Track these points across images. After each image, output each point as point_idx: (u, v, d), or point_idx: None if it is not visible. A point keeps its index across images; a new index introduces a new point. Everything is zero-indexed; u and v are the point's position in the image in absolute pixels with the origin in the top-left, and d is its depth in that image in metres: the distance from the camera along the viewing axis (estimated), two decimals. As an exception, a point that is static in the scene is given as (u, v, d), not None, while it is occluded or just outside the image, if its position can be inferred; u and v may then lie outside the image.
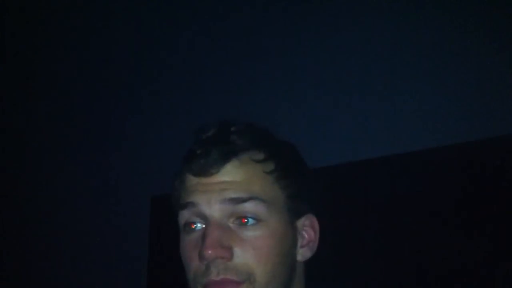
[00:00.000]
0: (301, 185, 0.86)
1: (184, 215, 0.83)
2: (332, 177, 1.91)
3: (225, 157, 0.81)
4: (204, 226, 0.81)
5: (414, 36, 1.95)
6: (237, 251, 0.79)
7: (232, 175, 0.81)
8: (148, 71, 2.52)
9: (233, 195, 0.80)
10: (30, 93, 2.80)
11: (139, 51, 2.55)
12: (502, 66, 1.79)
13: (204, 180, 0.82)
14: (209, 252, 0.77)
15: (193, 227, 0.82)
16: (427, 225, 1.76)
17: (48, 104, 2.74)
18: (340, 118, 2.03)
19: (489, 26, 1.83)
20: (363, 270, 1.81)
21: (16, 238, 2.64)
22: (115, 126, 2.55)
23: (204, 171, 0.81)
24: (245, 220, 0.80)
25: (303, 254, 0.86)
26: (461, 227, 1.71)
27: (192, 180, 0.83)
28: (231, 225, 0.80)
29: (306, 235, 0.86)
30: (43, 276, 2.53)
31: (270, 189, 0.82)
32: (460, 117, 1.82)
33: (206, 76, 2.36)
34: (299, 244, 0.85)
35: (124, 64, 2.58)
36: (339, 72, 2.07)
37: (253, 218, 0.80)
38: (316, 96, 2.10)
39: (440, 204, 1.76)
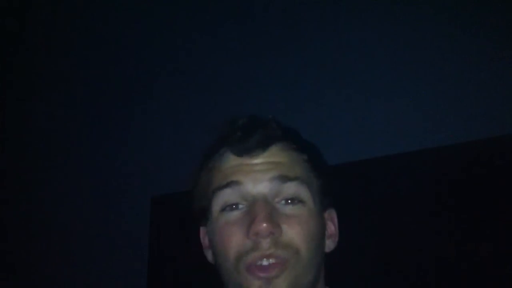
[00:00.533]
0: (327, 179, 0.89)
1: (225, 195, 0.82)
2: (332, 177, 1.91)
3: (271, 140, 0.84)
4: (247, 206, 0.81)
5: (415, 36, 1.95)
6: (285, 227, 0.79)
7: (277, 157, 0.83)
8: (149, 72, 2.52)
9: (281, 172, 0.82)
10: (31, 93, 2.80)
11: (140, 52, 2.55)
12: (502, 66, 1.79)
13: (248, 160, 0.83)
14: (264, 225, 0.77)
15: (235, 207, 0.82)
16: (427, 225, 1.76)
17: (48, 104, 2.74)
18: (340, 118, 2.03)
19: (489, 26, 1.83)
20: (364, 270, 1.81)
21: (16, 238, 2.64)
22: (115, 126, 2.55)
23: (249, 151, 0.83)
24: (290, 200, 0.81)
25: (328, 245, 0.89)
26: (461, 227, 1.71)
27: (234, 160, 0.84)
28: (276, 205, 0.81)
29: (328, 229, 0.89)
30: (43, 276, 2.53)
31: (310, 175, 0.85)
32: (460, 117, 1.82)
33: (206, 77, 2.37)
34: (326, 234, 0.88)
35: (124, 65, 2.58)
36: (339, 72, 2.07)
37: (297, 198, 0.82)
38: (316, 96, 2.10)
39: (440, 204, 1.76)
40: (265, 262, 0.77)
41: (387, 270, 1.79)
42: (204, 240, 0.90)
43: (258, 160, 0.82)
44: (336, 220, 0.92)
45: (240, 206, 0.81)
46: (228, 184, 0.82)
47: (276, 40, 2.23)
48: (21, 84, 2.83)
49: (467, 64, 1.85)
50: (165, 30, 2.50)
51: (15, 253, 2.63)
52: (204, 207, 0.86)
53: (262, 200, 0.80)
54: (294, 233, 0.79)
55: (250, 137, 0.83)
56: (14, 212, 2.69)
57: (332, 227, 0.90)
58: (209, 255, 0.89)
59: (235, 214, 0.81)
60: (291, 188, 0.82)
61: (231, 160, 0.84)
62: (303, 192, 0.82)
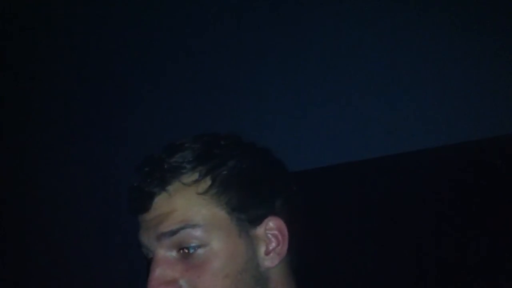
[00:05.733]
0: (252, 191, 0.83)
1: (143, 252, 0.84)
2: (332, 177, 1.91)
3: (155, 190, 0.81)
4: None
5: (414, 36, 1.95)
6: (183, 283, 0.78)
7: (164, 207, 0.80)
8: (149, 72, 2.52)
9: (165, 229, 0.79)
10: (31, 93, 2.80)
11: (141, 52, 2.55)
12: (502, 66, 1.79)
13: (144, 216, 0.82)
14: None
15: None
16: (427, 225, 1.76)
17: (48, 104, 2.74)
18: (340, 118, 2.03)
19: (489, 26, 1.83)
20: (364, 270, 1.81)
21: (16, 238, 2.64)
22: (116, 126, 2.55)
23: (140, 209, 0.82)
24: (187, 250, 0.79)
25: (272, 260, 0.83)
26: (461, 227, 1.71)
27: (138, 218, 0.84)
28: (176, 256, 0.79)
29: (273, 239, 0.83)
30: (43, 276, 2.53)
31: (206, 210, 0.80)
32: (460, 117, 1.82)
33: (206, 77, 2.37)
34: (262, 251, 0.82)
35: (125, 65, 2.58)
36: (339, 72, 2.07)
37: (194, 245, 0.78)
38: (316, 96, 2.10)
39: (440, 204, 1.76)
40: None
41: (386, 270, 1.79)
42: None
43: (150, 215, 0.81)
44: (282, 226, 0.84)
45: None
46: (139, 244, 0.84)
47: (276, 39, 2.23)
48: (21, 84, 2.83)
49: (467, 64, 1.85)
50: (165, 32, 2.50)
51: (15, 253, 2.63)
52: None
53: (157, 259, 0.80)
54: (195, 285, 0.78)
55: (139, 193, 0.81)
56: (14, 212, 2.69)
57: (278, 236, 0.83)
58: None
59: None
60: (182, 239, 0.78)
61: (138, 217, 0.84)
62: (197, 237, 0.78)
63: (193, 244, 0.78)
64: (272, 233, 0.83)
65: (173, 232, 0.79)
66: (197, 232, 0.79)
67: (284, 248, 0.84)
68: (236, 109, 2.23)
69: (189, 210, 0.80)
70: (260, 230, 0.83)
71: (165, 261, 0.79)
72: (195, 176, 0.81)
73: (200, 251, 0.78)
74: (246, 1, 2.31)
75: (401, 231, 1.79)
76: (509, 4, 1.80)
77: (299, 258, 0.86)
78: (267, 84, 2.22)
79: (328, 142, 2.02)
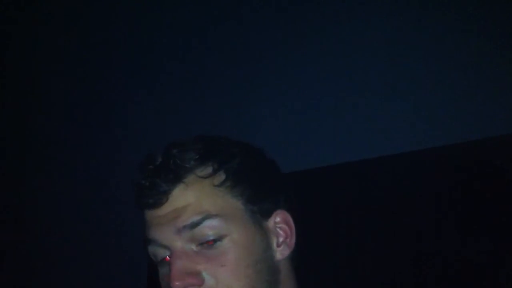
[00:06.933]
0: (261, 185, 0.84)
1: (150, 251, 0.83)
2: (332, 177, 1.91)
3: (170, 184, 0.80)
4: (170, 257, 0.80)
5: (414, 35, 1.95)
6: (206, 274, 0.78)
7: (181, 199, 0.80)
8: (148, 72, 2.53)
9: (185, 222, 0.79)
10: (31, 93, 2.80)
11: (141, 52, 2.55)
12: (502, 66, 1.79)
13: (157, 212, 0.81)
14: (176, 283, 0.76)
15: (165, 260, 0.81)
16: (427, 225, 1.76)
17: (48, 104, 2.74)
18: (341, 118, 2.04)
19: (489, 26, 1.83)
20: (363, 269, 1.81)
21: (16, 238, 2.64)
22: (116, 126, 2.55)
23: (154, 203, 0.81)
24: (207, 242, 0.79)
25: (282, 252, 0.84)
26: (461, 227, 1.71)
27: (148, 214, 0.83)
28: (196, 249, 0.79)
29: (281, 232, 0.85)
30: (43, 276, 2.53)
31: (223, 201, 0.81)
32: (460, 117, 1.82)
33: (206, 77, 2.37)
34: (274, 243, 0.84)
35: (125, 65, 2.58)
36: (339, 72, 2.07)
37: (215, 237, 0.79)
38: (316, 96, 2.11)
39: (440, 204, 1.76)
40: None
41: (386, 270, 1.79)
42: None
43: (165, 210, 0.80)
44: (289, 219, 0.86)
45: (167, 257, 0.81)
46: (148, 242, 0.83)
47: (276, 39, 2.23)
48: (21, 84, 2.83)
49: (467, 64, 1.85)
50: (167, 31, 2.50)
51: (15, 253, 2.63)
52: None
53: (176, 252, 0.79)
54: (219, 275, 0.77)
55: (152, 187, 0.80)
56: (14, 212, 2.69)
57: (286, 229, 0.85)
58: None
59: (164, 269, 0.81)
60: (203, 231, 0.78)
61: (147, 214, 0.83)
62: (218, 227, 0.79)
63: (213, 236, 0.78)
64: (280, 226, 0.85)
65: (195, 224, 0.78)
66: (218, 223, 0.79)
67: (292, 240, 0.85)
68: (235, 109, 2.23)
69: (207, 201, 0.80)
70: (270, 223, 0.84)
71: (184, 253, 0.79)
72: (209, 169, 0.81)
73: (220, 242, 0.79)
74: (246, 1, 2.31)
75: (401, 230, 1.79)
76: (509, 4, 1.80)
77: (299, 256, 0.88)
78: (266, 84, 2.22)
79: (328, 142, 2.02)
